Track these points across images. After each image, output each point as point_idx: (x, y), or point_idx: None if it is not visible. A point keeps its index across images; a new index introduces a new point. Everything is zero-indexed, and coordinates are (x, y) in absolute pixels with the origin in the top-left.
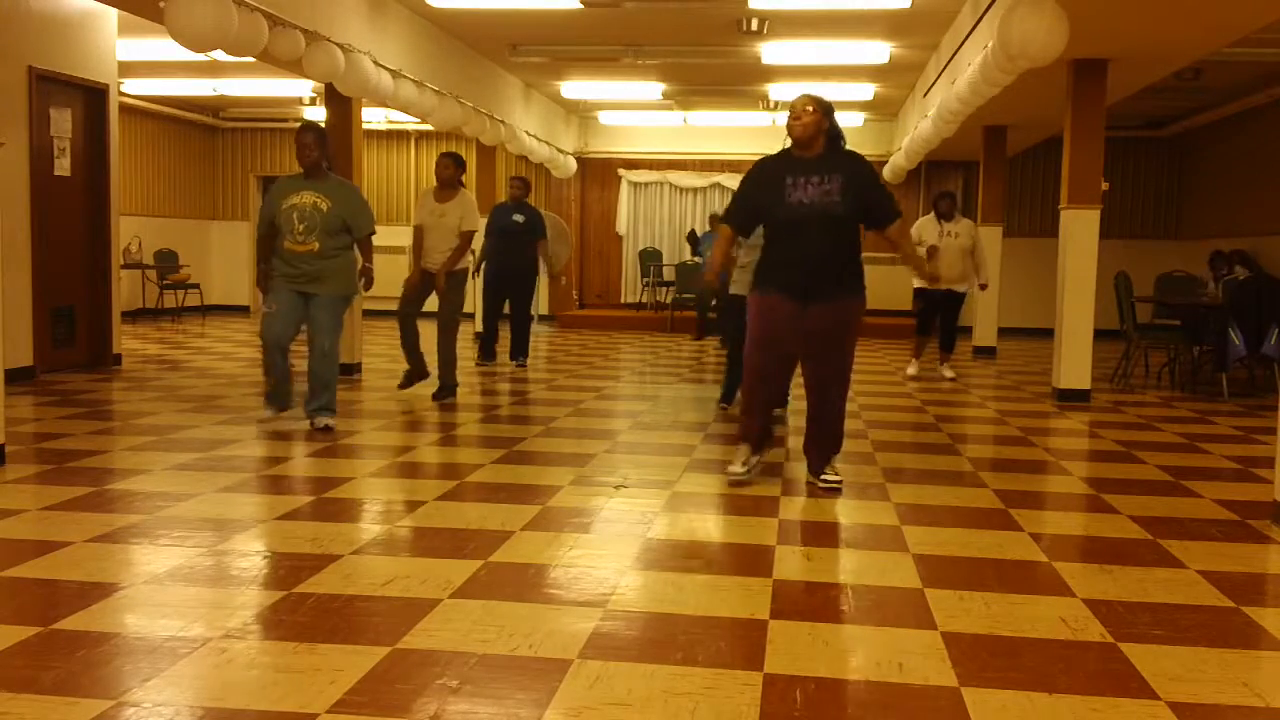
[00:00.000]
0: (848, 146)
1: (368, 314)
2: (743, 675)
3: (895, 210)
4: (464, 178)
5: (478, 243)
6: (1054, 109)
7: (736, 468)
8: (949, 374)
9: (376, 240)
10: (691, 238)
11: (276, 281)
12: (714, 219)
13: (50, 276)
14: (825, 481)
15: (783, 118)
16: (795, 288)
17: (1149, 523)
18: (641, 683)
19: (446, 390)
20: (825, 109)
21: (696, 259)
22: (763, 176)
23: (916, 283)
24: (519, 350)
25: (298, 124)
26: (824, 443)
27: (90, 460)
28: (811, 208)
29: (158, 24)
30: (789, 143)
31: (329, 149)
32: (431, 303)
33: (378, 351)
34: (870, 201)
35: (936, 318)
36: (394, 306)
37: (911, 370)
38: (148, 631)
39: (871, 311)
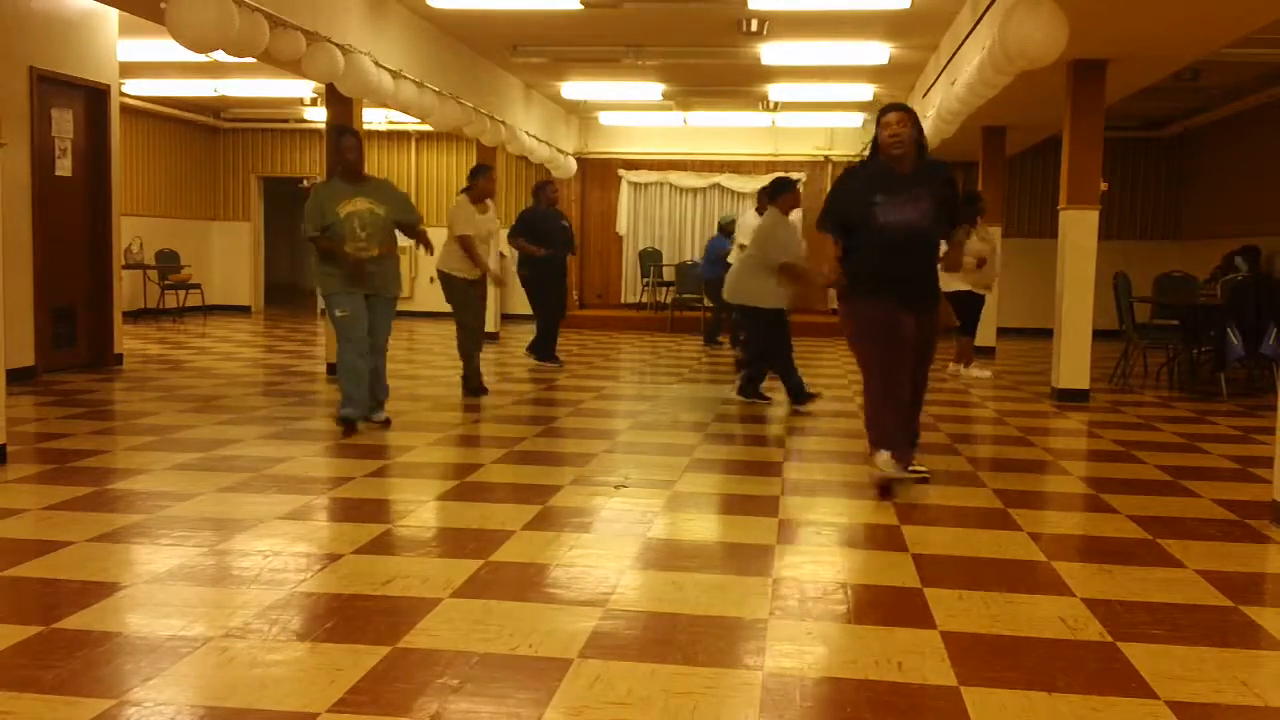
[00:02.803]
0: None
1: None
2: (743, 675)
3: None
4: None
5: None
6: (1053, 109)
7: (895, 471)
8: (985, 372)
9: None
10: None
11: (340, 285)
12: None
13: (51, 276)
14: (914, 471)
15: (782, 118)
16: (903, 300)
17: (1148, 523)
18: (641, 682)
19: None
20: (917, 124)
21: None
22: (858, 189)
23: (965, 285)
24: (540, 350)
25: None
26: (910, 439)
27: (91, 460)
28: (909, 228)
29: (158, 24)
30: (868, 150)
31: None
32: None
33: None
34: (952, 218)
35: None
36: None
37: (985, 373)
38: (149, 631)
39: None
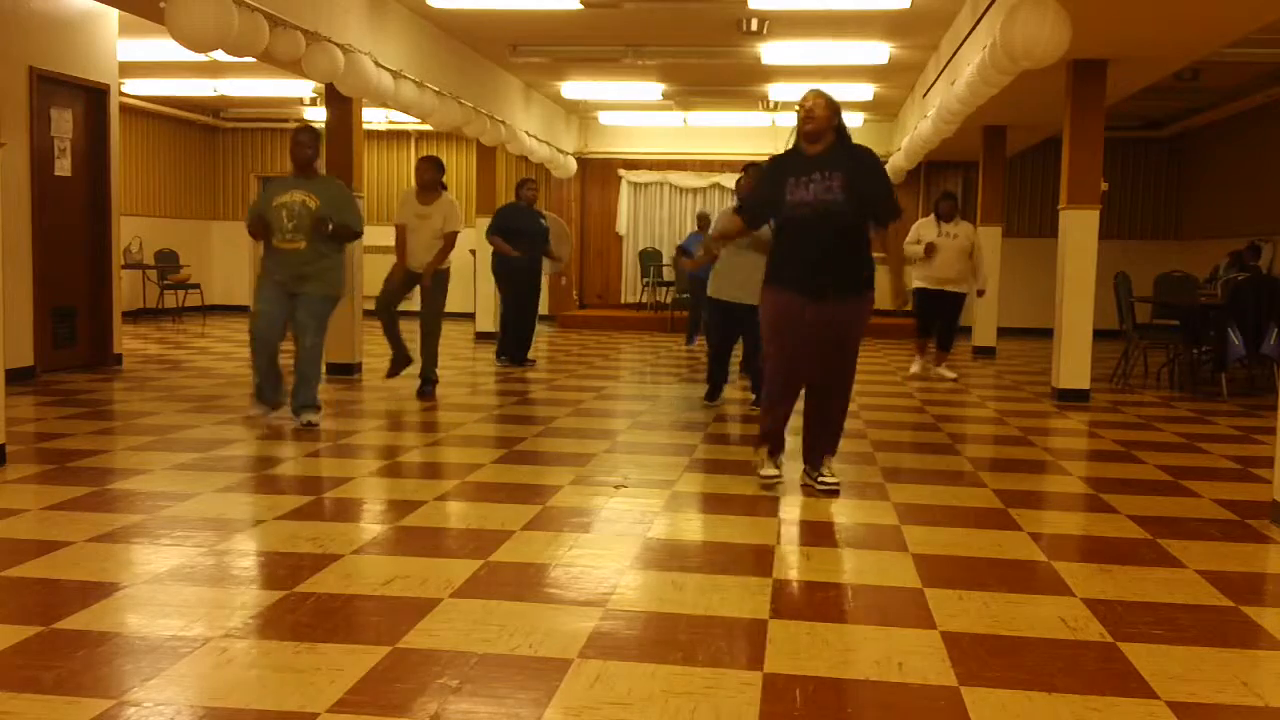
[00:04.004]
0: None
1: (368, 314)
2: (743, 675)
3: (896, 209)
4: (445, 180)
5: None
6: (1054, 109)
7: (768, 470)
8: (949, 374)
9: (378, 240)
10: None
11: (264, 279)
12: (701, 218)
13: (51, 276)
14: (823, 483)
15: (783, 118)
16: (804, 286)
17: (1148, 523)
18: (641, 683)
19: (429, 383)
20: (834, 105)
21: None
22: (772, 173)
23: (915, 283)
24: (525, 350)
25: (298, 124)
26: (823, 441)
27: (91, 460)
28: (813, 207)
29: (158, 24)
30: (791, 141)
31: (319, 150)
32: (403, 301)
33: (378, 352)
34: (872, 196)
35: (935, 317)
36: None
37: (915, 369)
38: (148, 631)
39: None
